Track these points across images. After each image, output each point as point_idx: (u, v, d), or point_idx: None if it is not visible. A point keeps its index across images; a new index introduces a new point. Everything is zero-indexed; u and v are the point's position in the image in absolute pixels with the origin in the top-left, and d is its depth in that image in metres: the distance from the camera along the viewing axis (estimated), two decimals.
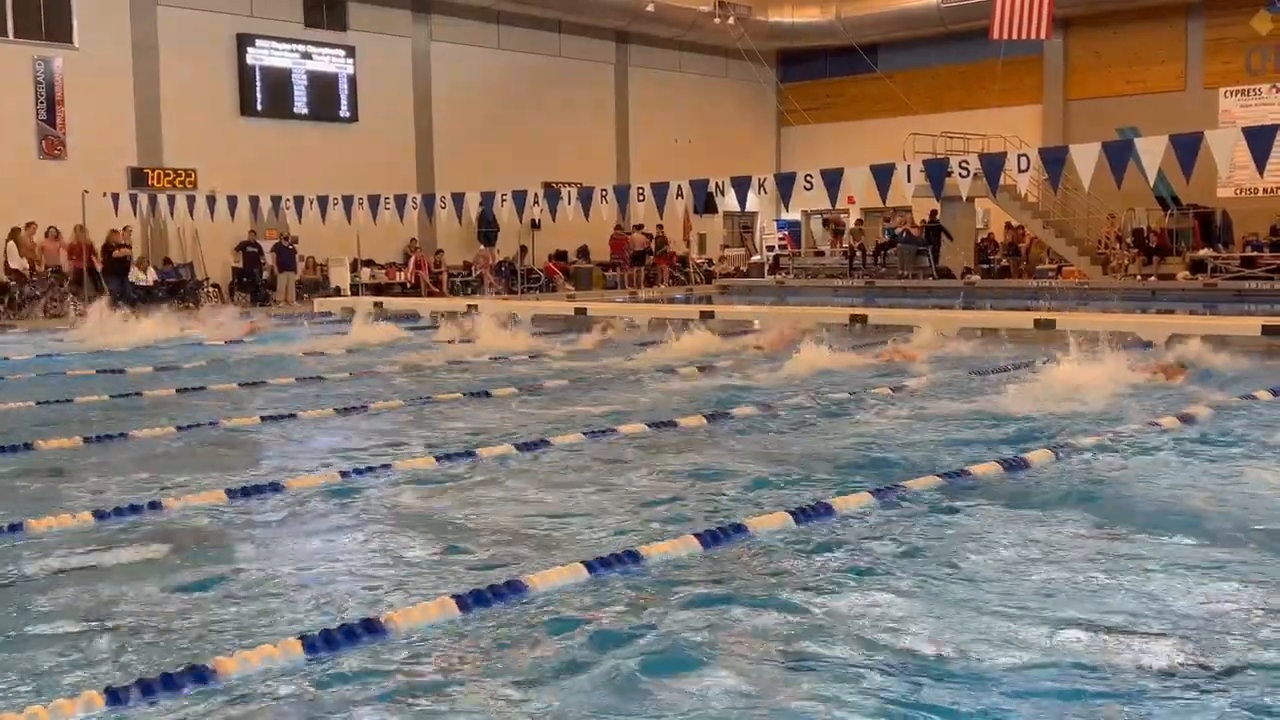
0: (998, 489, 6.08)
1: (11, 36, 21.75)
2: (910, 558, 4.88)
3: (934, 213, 27.13)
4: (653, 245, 29.29)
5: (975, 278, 25.88)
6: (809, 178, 16.32)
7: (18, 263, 20.91)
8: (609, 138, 32.25)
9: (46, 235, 21.45)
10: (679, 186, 17.89)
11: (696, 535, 5.07)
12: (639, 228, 28.84)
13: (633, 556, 4.78)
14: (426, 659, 3.84)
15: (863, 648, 3.85)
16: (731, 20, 31.31)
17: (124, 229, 22.07)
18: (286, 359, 13.27)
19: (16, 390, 10.61)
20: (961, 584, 4.53)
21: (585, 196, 19.03)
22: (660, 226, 28.76)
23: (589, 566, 4.65)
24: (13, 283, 20.77)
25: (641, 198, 18.61)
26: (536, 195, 19.82)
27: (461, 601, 4.23)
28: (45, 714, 3.28)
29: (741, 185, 17.54)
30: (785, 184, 17.25)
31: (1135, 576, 4.57)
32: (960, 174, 15.58)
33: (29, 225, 21.16)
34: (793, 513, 5.45)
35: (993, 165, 15.52)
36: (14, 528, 5.45)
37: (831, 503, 5.66)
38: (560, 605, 4.29)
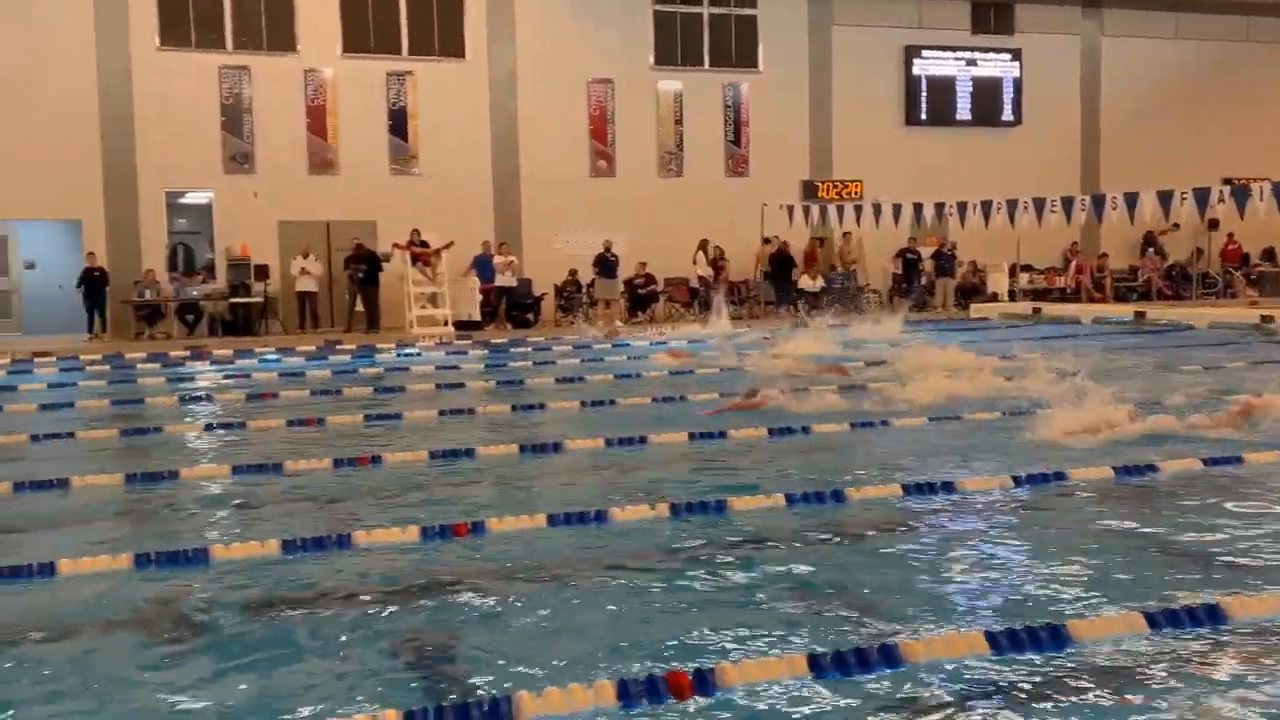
0: None
1: (707, 65, 24.23)
2: None
3: None
4: None
5: None
6: None
7: (705, 270, 23.25)
8: None
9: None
10: None
11: None
12: None
13: None
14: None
15: None
16: None
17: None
18: None
19: None
20: None
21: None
22: None
23: None
24: (701, 289, 23.12)
25: None
26: (1221, 193, 18.26)
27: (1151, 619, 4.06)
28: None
29: None
30: None
31: None
32: None
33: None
34: None
35: None
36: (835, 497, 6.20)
37: None
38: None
